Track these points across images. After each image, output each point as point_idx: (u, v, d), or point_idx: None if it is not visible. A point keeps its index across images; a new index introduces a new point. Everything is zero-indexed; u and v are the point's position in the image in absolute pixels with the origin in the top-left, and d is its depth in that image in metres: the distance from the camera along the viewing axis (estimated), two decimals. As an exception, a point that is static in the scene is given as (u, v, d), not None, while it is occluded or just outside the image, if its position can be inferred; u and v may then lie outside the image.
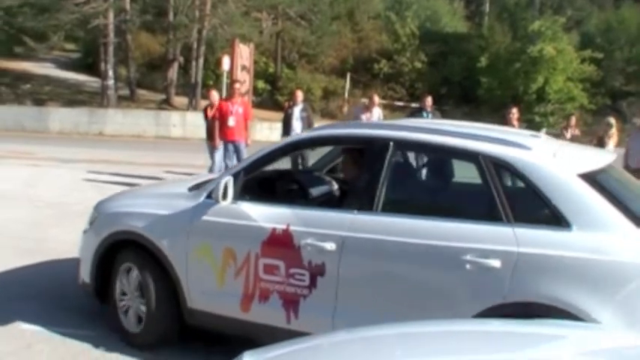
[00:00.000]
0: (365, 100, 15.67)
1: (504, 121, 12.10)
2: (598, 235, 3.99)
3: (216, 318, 5.10)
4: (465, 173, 4.92)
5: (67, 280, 6.57)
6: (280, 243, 4.74)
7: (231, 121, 12.85)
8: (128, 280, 5.53)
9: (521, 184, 4.31)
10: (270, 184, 5.46)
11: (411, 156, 5.10)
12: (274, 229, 4.77)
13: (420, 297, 4.34)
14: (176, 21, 31.51)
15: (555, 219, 4.07)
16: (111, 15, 31.49)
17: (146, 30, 37.95)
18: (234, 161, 12.83)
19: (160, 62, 36.73)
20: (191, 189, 5.44)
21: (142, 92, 35.18)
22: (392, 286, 4.42)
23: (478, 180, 4.43)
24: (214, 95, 13.55)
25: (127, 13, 32.36)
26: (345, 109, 37.59)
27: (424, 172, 5.14)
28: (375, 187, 4.56)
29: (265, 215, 4.86)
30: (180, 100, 33.15)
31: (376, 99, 14.54)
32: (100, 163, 17.36)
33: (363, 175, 4.70)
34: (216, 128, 13.10)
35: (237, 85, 13.71)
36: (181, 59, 34.09)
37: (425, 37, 40.54)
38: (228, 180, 4.92)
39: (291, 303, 4.73)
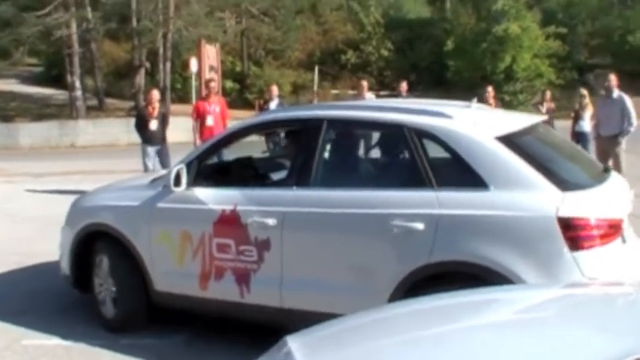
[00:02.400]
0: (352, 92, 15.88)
1: (482, 100, 12.48)
2: (514, 193, 4.34)
3: (180, 298, 5.56)
4: (393, 145, 5.33)
5: (63, 291, 6.80)
6: (229, 223, 5.18)
7: (209, 121, 12.87)
8: (101, 270, 5.97)
9: (443, 151, 4.73)
10: (220, 170, 5.92)
11: (344, 133, 5.50)
12: (223, 210, 5.21)
13: (356, 263, 4.77)
14: (140, 26, 31.73)
15: (474, 181, 4.45)
16: (74, 25, 31.68)
17: (109, 38, 38.13)
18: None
19: (126, 69, 36.92)
20: (152, 180, 5.88)
21: (110, 101, 35.39)
22: (330, 255, 4.85)
23: (403, 150, 4.86)
24: (155, 94, 13.31)
25: (90, 22, 32.56)
26: (315, 102, 37.91)
27: (356, 146, 5.57)
28: (310, 163, 5.00)
29: (215, 198, 5.30)
30: (149, 106, 33.31)
31: (365, 84, 14.73)
32: (76, 175, 17.54)
33: (300, 153, 5.14)
34: (196, 129, 13.16)
35: (212, 84, 13.79)
36: (148, 65, 34.31)
37: (390, 25, 40.83)
38: (181, 168, 5.35)
39: (243, 278, 5.17)
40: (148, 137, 12.88)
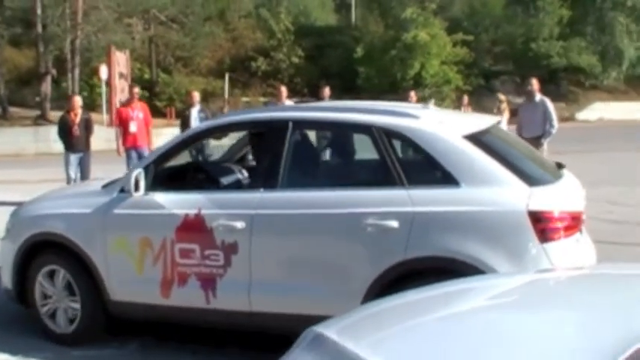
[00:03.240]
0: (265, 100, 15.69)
1: None
2: (484, 189, 4.49)
3: (139, 306, 5.38)
4: (361, 146, 5.35)
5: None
6: (193, 227, 5.06)
7: (132, 127, 12.66)
8: (54, 283, 5.70)
9: (412, 151, 4.79)
10: (180, 174, 5.79)
11: (311, 134, 5.51)
12: (187, 215, 5.09)
13: (328, 263, 4.76)
14: (48, 32, 30.78)
15: (445, 179, 4.56)
16: (-27, 31, 30.52)
17: (11, 44, 36.79)
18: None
19: (29, 77, 35.71)
20: (104, 186, 5.68)
21: (14, 110, 34.09)
22: (301, 257, 4.83)
23: (372, 150, 4.88)
24: (77, 100, 12.95)
25: (-8, 28, 31.44)
26: (226, 109, 37.63)
27: (323, 147, 5.56)
28: (277, 165, 4.96)
29: (177, 203, 5.18)
30: (57, 115, 32.28)
31: (284, 90, 14.47)
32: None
33: (266, 155, 5.09)
34: (119, 136, 12.92)
35: (136, 90, 13.59)
36: (54, 72, 33.30)
37: (300, 32, 41.05)
38: (139, 173, 5.20)
39: (208, 283, 5.06)
40: (71, 144, 12.54)
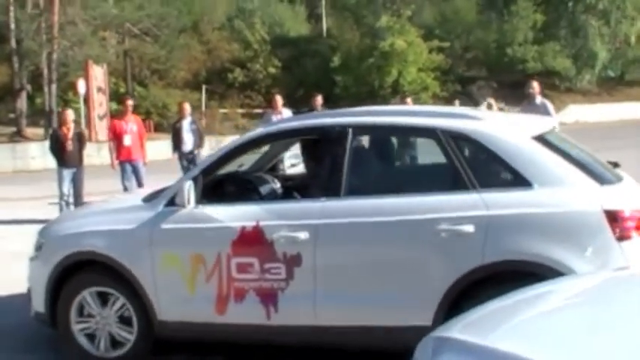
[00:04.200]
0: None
1: None
2: (557, 190, 4.41)
3: (191, 326, 5.14)
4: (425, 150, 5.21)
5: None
6: (251, 240, 4.86)
7: (127, 140, 12.45)
8: (102, 304, 5.42)
9: (480, 153, 4.66)
10: (228, 186, 5.56)
11: (372, 139, 5.35)
12: (243, 228, 4.88)
13: (399, 272, 4.60)
14: (23, 47, 30.24)
15: (517, 181, 4.46)
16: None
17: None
18: (134, 182, 12.51)
19: (3, 93, 35.03)
20: (146, 199, 5.43)
21: (-14, 127, 33.46)
22: (370, 266, 4.65)
23: (439, 155, 4.74)
24: (69, 114, 12.68)
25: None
26: (204, 121, 37.34)
27: (386, 152, 5.40)
28: (339, 173, 4.78)
29: (231, 215, 4.97)
30: (33, 131, 31.85)
31: (279, 98, 14.38)
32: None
33: (326, 162, 4.90)
34: (113, 149, 12.72)
35: (129, 102, 13.35)
36: (29, 87, 32.72)
37: (276, 43, 40.89)
38: (190, 184, 4.97)
39: (269, 298, 4.86)
40: (64, 160, 12.22)
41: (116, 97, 36.92)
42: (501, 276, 4.35)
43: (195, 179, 5.09)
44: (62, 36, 30.66)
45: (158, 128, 33.59)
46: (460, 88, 38.57)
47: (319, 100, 14.48)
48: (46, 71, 30.89)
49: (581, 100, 39.16)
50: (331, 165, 4.85)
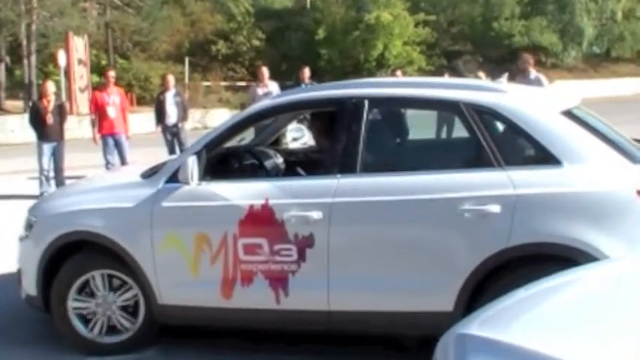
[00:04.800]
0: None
1: None
2: (588, 168, 4.14)
3: (194, 310, 4.86)
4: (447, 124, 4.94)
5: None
6: (260, 219, 4.58)
7: (111, 113, 12.12)
8: (109, 288, 5.13)
9: (506, 129, 4.40)
10: (233, 161, 5.28)
11: (390, 112, 5.07)
12: (252, 206, 4.60)
13: (419, 254, 4.35)
14: (2, 17, 29.47)
15: (546, 158, 4.19)
16: None
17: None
18: (116, 157, 12.27)
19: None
20: (145, 175, 5.12)
21: (-35, 99, 32.77)
22: (387, 248, 4.39)
23: (462, 129, 4.47)
24: (50, 86, 12.25)
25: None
26: (187, 94, 36.90)
27: (405, 127, 5.12)
28: (355, 148, 4.51)
29: (239, 193, 4.68)
30: (13, 104, 31.21)
31: (265, 70, 14.05)
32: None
33: (340, 137, 4.61)
34: (95, 123, 12.40)
35: (111, 73, 12.96)
36: (7, 59, 32.02)
37: (260, 15, 40.41)
38: (194, 159, 4.67)
39: (279, 281, 4.58)
40: (44, 133, 11.85)
41: (97, 69, 36.42)
42: (528, 259, 4.12)
43: (198, 154, 4.77)
44: (41, 6, 29.94)
45: (140, 101, 33.18)
46: (446, 62, 38.33)
47: (307, 72, 14.23)
48: (25, 42, 30.17)
49: (567, 76, 39.00)
50: (346, 140, 4.55)
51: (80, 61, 29.34)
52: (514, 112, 4.30)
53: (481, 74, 16.19)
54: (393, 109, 4.96)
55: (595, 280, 2.91)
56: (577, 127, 4.30)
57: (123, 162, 12.19)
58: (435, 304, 4.27)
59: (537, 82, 11.38)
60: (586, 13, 39.43)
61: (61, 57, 27.98)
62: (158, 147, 13.93)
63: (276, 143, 6.33)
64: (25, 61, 30.36)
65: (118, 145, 12.26)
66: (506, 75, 4.84)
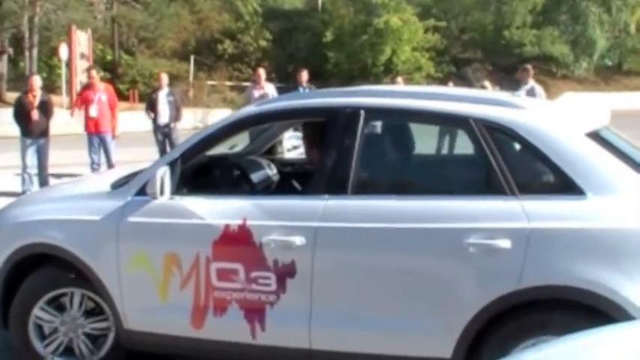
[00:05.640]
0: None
1: None
2: (617, 200, 3.58)
3: (161, 338, 4.33)
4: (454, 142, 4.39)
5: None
6: (236, 242, 4.06)
7: (92, 111, 11.78)
8: (63, 309, 4.63)
9: (522, 150, 3.84)
10: (213, 173, 4.77)
11: (389, 126, 4.52)
12: (227, 226, 4.07)
13: (415, 291, 3.80)
14: (4, 8, 29.08)
15: (567, 186, 3.63)
16: None
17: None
18: (101, 156, 11.86)
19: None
20: (115, 186, 4.60)
21: (-34, 90, 32.35)
22: (379, 282, 3.85)
23: (471, 149, 3.94)
24: (36, 80, 11.68)
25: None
26: (191, 93, 36.61)
27: (405, 143, 4.57)
28: (347, 165, 3.97)
29: (214, 210, 4.16)
30: (14, 96, 30.69)
31: (262, 72, 13.76)
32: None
33: (331, 152, 4.06)
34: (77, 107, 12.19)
35: (93, 73, 12.56)
36: (10, 50, 31.60)
37: (268, 15, 40.12)
38: (165, 171, 4.14)
39: (255, 313, 4.05)
40: (28, 129, 11.27)
41: (103, 64, 36.20)
42: (541, 304, 3.60)
43: (172, 164, 4.25)
44: (45, -2, 29.58)
45: (143, 98, 32.71)
46: (455, 69, 37.89)
47: (304, 75, 13.80)
48: (27, 35, 29.77)
49: (577, 88, 38.56)
50: (338, 155, 4.01)
51: (83, 56, 28.86)
52: (532, 131, 3.74)
53: (486, 83, 15.70)
54: (392, 122, 4.40)
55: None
56: (604, 152, 3.73)
57: (108, 162, 11.85)
58: (431, 349, 3.73)
59: (531, 93, 10.88)
60: (599, 24, 38.90)
61: (63, 50, 27.55)
62: (154, 146, 13.51)
63: (272, 152, 5.88)
64: (27, 54, 29.95)
65: (103, 144, 11.86)
66: (525, 88, 4.23)
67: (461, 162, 4.79)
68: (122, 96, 33.83)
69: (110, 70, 36.97)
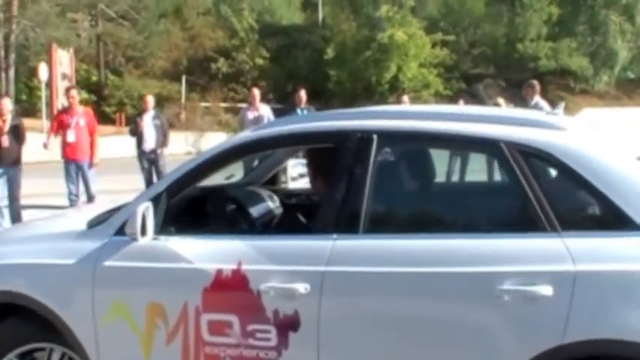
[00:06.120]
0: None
1: None
2: None
3: None
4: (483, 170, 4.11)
5: None
6: (230, 289, 3.77)
7: (70, 137, 11.48)
8: None
9: (564, 179, 3.53)
10: (205, 209, 4.53)
11: (407, 153, 4.23)
12: (220, 272, 3.78)
13: (439, 348, 3.50)
14: (-23, 27, 29.12)
15: (618, 220, 3.33)
16: None
17: None
18: (80, 186, 11.65)
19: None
20: (92, 224, 4.33)
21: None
22: (396, 338, 3.55)
23: (503, 177, 3.65)
24: (6, 104, 11.29)
25: None
26: (183, 115, 36.66)
27: (424, 172, 4.27)
28: (358, 199, 3.69)
29: (205, 252, 3.87)
30: (-9, 121, 30.66)
31: (257, 93, 13.66)
32: None
33: (339, 183, 3.77)
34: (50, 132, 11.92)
35: (73, 92, 12.22)
36: (-15, 71, 31.59)
37: (264, 31, 40.46)
38: (147, 208, 3.86)
39: None
40: None
41: (87, 85, 36.27)
42: None
43: (156, 199, 3.98)
44: (22, 15, 29.48)
45: (131, 121, 32.82)
46: (465, 86, 37.94)
47: (302, 95, 13.66)
48: (3, 54, 29.67)
49: (597, 104, 38.44)
50: (347, 187, 3.73)
51: (65, 76, 28.73)
52: (575, 155, 3.45)
53: (500, 101, 15.51)
54: (409, 147, 4.10)
55: None
56: None
57: (88, 192, 11.63)
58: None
59: (537, 108, 10.76)
60: (620, 34, 38.90)
61: (43, 70, 27.42)
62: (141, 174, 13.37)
63: (274, 181, 5.62)
64: (3, 74, 29.85)
65: (80, 172, 11.60)
66: (562, 105, 3.96)
67: (491, 193, 4.47)
68: (108, 119, 34.02)
69: (95, 91, 37.10)
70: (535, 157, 3.50)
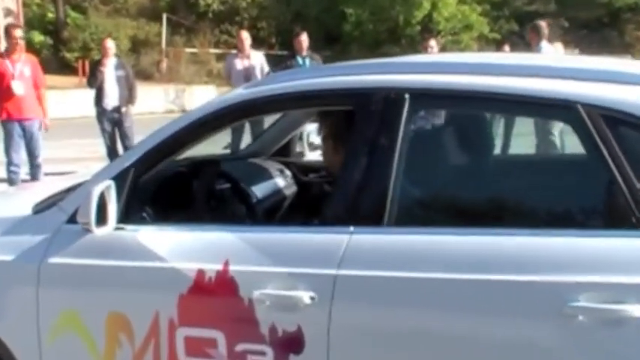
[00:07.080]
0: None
1: None
2: None
3: None
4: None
5: None
6: (214, 297, 3.74)
7: (17, 89, 11.27)
8: None
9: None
10: (185, 190, 4.50)
11: (449, 119, 4.11)
12: (201, 273, 3.73)
13: None
14: None
15: None
16: None
17: None
18: (23, 153, 11.53)
19: None
20: (38, 208, 4.31)
21: None
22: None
23: (578, 152, 3.53)
24: None
25: None
26: (164, 64, 37.00)
27: (471, 146, 4.18)
28: (384, 180, 3.60)
29: (182, 248, 3.83)
30: None
31: (245, 37, 13.94)
32: None
33: (359, 159, 3.68)
34: None
35: (17, 33, 11.95)
36: None
37: (265, -41, 40.74)
38: (107, 188, 3.81)
39: None
40: None
41: (41, 26, 36.48)
42: None
43: (120, 177, 3.94)
44: None
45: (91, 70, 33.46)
46: (517, 27, 37.95)
47: (304, 39, 13.77)
48: None
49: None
50: (369, 164, 3.64)
51: (9, 12, 28.94)
52: None
53: (558, 45, 15.56)
54: (453, 111, 4.01)
55: None
56: None
57: (33, 163, 11.56)
58: None
59: None
60: None
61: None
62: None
63: (286, 152, 5.64)
64: None
65: (27, 136, 11.49)
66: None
67: (562, 174, 4.34)
68: (69, 68, 34.19)
69: (52, 32, 37.40)
70: (625, 125, 3.37)
